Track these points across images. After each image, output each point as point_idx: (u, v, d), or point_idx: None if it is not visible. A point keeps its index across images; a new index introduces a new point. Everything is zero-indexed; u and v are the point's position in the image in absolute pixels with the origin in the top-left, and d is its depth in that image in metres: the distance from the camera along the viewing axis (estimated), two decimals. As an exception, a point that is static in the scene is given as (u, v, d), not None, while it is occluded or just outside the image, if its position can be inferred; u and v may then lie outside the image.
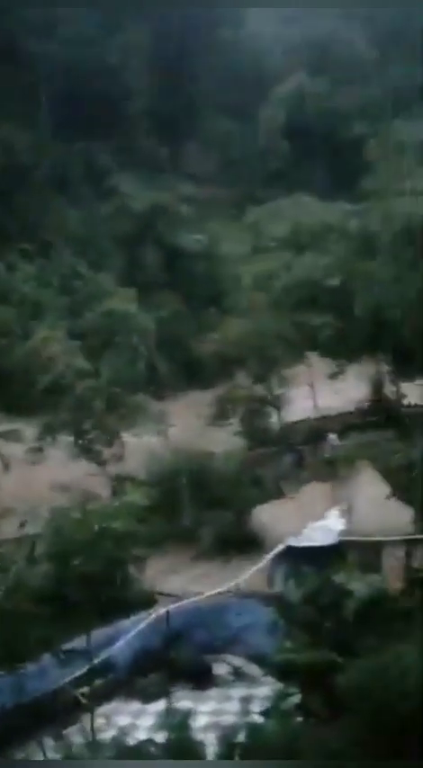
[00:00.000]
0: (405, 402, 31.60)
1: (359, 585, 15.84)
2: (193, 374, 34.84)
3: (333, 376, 32.86)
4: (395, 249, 30.05)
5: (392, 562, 20.22)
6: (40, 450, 26.57)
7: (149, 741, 15.35)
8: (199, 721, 14.86)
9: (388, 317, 29.00)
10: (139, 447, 27.67)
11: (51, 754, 13.18)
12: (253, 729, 10.66)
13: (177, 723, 10.54)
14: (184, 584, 21.41)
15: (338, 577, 16.10)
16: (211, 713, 16.82)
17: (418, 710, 10.64)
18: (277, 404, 30.76)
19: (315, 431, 30.94)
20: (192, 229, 40.94)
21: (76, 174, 44.07)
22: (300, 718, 13.35)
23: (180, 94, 50.33)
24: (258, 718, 13.45)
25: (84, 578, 15.74)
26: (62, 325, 28.89)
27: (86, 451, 26.72)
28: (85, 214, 41.91)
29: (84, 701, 16.67)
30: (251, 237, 37.85)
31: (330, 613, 15.71)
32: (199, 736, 12.57)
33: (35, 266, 35.03)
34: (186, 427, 30.45)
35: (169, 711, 12.96)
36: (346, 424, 31.94)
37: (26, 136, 42.60)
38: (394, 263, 30.06)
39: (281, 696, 14.47)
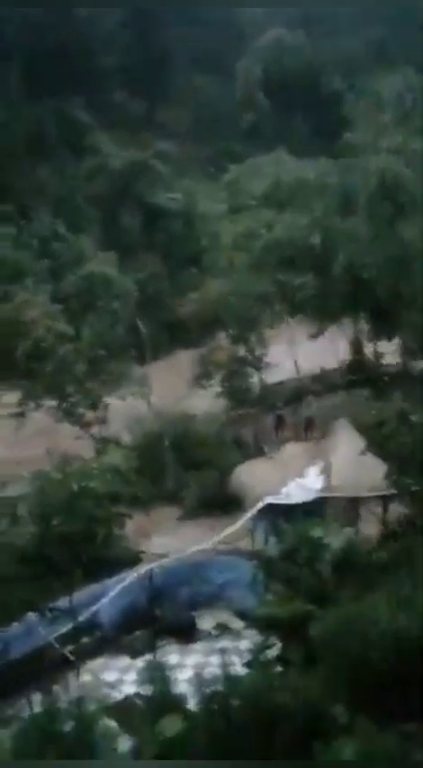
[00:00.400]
0: (383, 361, 31.97)
1: (335, 540, 16.29)
2: (174, 336, 34.85)
3: (313, 336, 33.08)
4: (372, 207, 30.04)
5: (369, 517, 20.76)
6: (22, 414, 26.66)
7: (137, 695, 15.91)
8: (184, 674, 15.36)
9: (366, 276, 29.15)
10: (123, 410, 27.87)
11: (38, 710, 13.56)
12: (232, 680, 11.08)
13: (159, 677, 10.94)
14: (168, 543, 21.80)
15: (316, 532, 16.53)
16: (195, 666, 17.35)
17: (391, 657, 11.09)
18: (258, 364, 30.95)
19: (295, 391, 31.29)
20: (169, 188, 40.43)
21: (53, 132, 43.10)
22: (279, 668, 13.85)
23: (155, 49, 49.14)
24: (240, 670, 13.93)
25: (65, 538, 16.03)
26: (42, 289, 28.67)
27: (69, 415, 26.86)
28: (62, 174, 41.19)
29: (71, 657, 17.10)
30: (230, 196, 37.48)
31: (308, 567, 16.15)
32: (184, 688, 13.01)
33: (14, 228, 34.49)
34: (168, 389, 30.60)
35: (152, 666, 13.36)
36: (326, 383, 32.31)
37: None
38: (372, 222, 30.08)
39: (261, 648, 14.97)
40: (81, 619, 17.15)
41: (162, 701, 10.82)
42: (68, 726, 10.14)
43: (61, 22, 45.47)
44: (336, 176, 32.70)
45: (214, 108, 50.52)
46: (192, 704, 11.74)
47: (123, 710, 14.76)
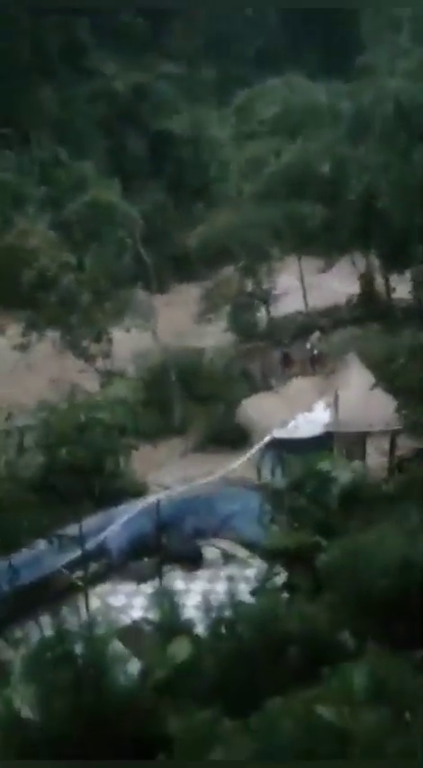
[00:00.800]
0: (394, 295, 31.43)
1: (343, 473, 16.22)
2: (180, 268, 34.24)
3: (323, 269, 32.45)
4: (387, 132, 28.97)
5: (376, 451, 20.71)
6: (25, 345, 26.42)
7: (144, 619, 16.17)
8: (191, 600, 15.57)
9: (379, 206, 28.33)
10: (127, 343, 27.59)
11: (48, 632, 13.74)
12: (239, 605, 11.15)
13: (167, 602, 11.03)
14: (174, 476, 21.90)
15: (323, 465, 16.45)
16: (201, 593, 17.59)
17: (398, 585, 11.10)
18: (266, 298, 30.49)
19: (304, 325, 30.90)
20: (176, 112, 39.05)
21: (54, 52, 41.37)
22: (285, 595, 13.98)
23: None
24: (246, 597, 14.06)
25: (72, 468, 16.03)
26: (44, 217, 27.97)
27: (74, 347, 26.60)
28: (63, 96, 39.73)
29: (79, 583, 17.35)
30: (239, 121, 36.23)
31: (315, 499, 16.13)
32: (191, 613, 13.16)
33: (14, 153, 33.45)
34: (175, 322, 30.25)
35: (159, 591, 13.50)
36: (336, 318, 31.88)
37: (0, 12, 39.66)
38: (386, 148, 29.05)
39: (267, 575, 15.09)
40: (88, 546, 17.29)
41: (170, 625, 10.92)
42: (79, 648, 10.23)
43: None
44: (349, 100, 31.46)
45: (223, 29, 48.32)
46: (199, 629, 11.86)
47: (131, 634, 15.07)
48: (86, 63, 41.25)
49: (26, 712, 9.33)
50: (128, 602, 18.00)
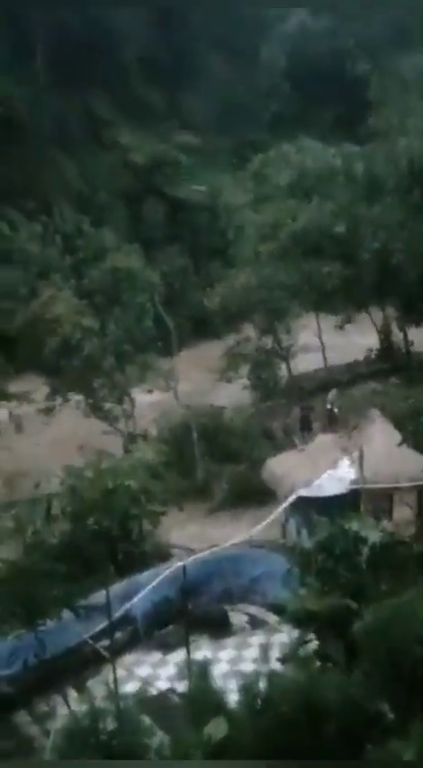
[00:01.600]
0: (413, 348, 31.48)
1: (372, 533, 15.92)
2: (200, 328, 34.66)
3: (341, 325, 32.66)
4: (400, 192, 29.53)
5: (404, 508, 20.36)
6: (50, 409, 26.69)
7: (171, 690, 15.76)
8: (218, 669, 15.19)
9: (394, 262, 28.67)
10: (149, 403, 27.76)
11: (75, 706, 13.48)
12: (273, 677, 10.85)
13: (197, 673, 10.75)
14: (199, 537, 21.65)
15: (352, 525, 16.18)
16: (229, 661, 17.18)
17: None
18: (285, 355, 30.65)
19: (324, 382, 30.94)
20: (193, 180, 40.20)
21: (75, 127, 43.06)
22: (318, 664, 13.58)
23: (176, 38, 48.78)
24: (277, 666, 13.70)
25: (99, 535, 15.93)
26: (68, 285, 28.67)
27: (97, 410, 26.84)
28: (84, 168, 41.16)
29: (105, 654, 17.03)
30: (255, 186, 37.16)
31: (344, 560, 15.82)
32: (218, 683, 12.83)
33: (38, 225, 34.57)
34: (196, 382, 30.46)
35: (189, 661, 13.18)
36: (355, 373, 31.92)
37: (23, 90, 41.55)
38: (400, 207, 29.57)
39: (298, 643, 14.68)
40: (115, 615, 17.03)
41: (202, 699, 10.61)
42: (110, 724, 9.98)
43: (84, 16, 45.25)
44: (362, 161, 32.19)
45: (237, 97, 50.05)
46: (230, 700, 11.53)
47: (158, 706, 14.67)
48: (106, 135, 42.78)
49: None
50: (153, 672, 17.58)
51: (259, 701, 10.02)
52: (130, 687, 16.03)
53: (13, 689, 15.65)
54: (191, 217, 38.88)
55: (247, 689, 10.46)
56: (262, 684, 10.60)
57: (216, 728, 9.40)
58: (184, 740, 9.49)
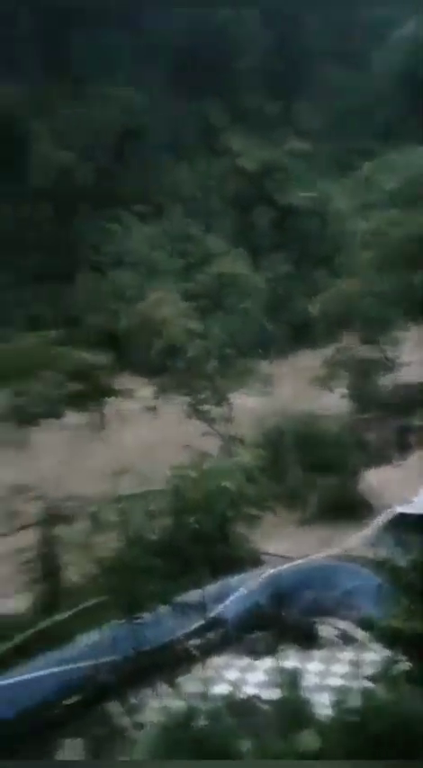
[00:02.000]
0: None
1: None
2: (303, 336, 34.69)
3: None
4: None
5: None
6: (155, 408, 27.54)
7: (256, 697, 15.95)
8: (305, 681, 15.27)
9: None
10: (247, 407, 28.12)
11: (167, 701, 13.96)
12: (367, 694, 10.89)
13: (287, 682, 10.97)
14: (290, 545, 21.77)
15: (450, 548, 15.88)
16: (317, 674, 17.24)
17: None
18: (388, 367, 30.26)
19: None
20: (303, 187, 40.20)
21: (190, 133, 43.99)
22: (407, 686, 13.49)
23: (292, 47, 48.80)
24: (367, 683, 13.68)
25: (199, 535, 16.39)
26: (175, 288, 29.46)
27: (198, 411, 27.45)
28: (197, 174, 42.00)
29: (195, 653, 17.48)
30: (363, 193, 36.79)
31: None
32: (306, 695, 12.95)
33: (149, 228, 35.66)
34: (294, 389, 30.55)
35: (279, 669, 13.38)
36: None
37: (143, 97, 42.78)
38: None
39: (390, 662, 14.60)
40: (208, 615, 17.46)
41: (293, 708, 10.83)
42: (203, 723, 10.32)
43: (202, 24, 46.08)
44: None
45: (350, 104, 49.58)
46: (319, 713, 11.66)
47: (244, 711, 14.93)
48: (219, 142, 43.48)
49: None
50: (242, 676, 17.84)
51: (353, 718, 10.13)
52: (218, 689, 16.37)
53: (113, 677, 16.30)
54: (299, 223, 38.90)
55: (341, 704, 10.59)
56: (355, 701, 10.69)
57: (309, 740, 9.59)
58: (271, 747, 9.73)
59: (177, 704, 11.11)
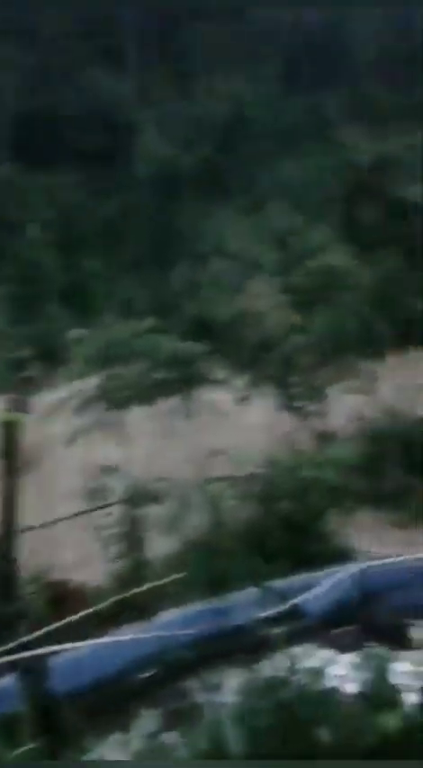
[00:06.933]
0: None
1: None
2: (413, 334, 33.40)
3: None
4: None
5: None
6: (247, 399, 27.24)
7: (334, 689, 15.37)
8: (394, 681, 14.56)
9: None
10: (347, 404, 27.33)
11: (243, 681, 13.67)
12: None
13: (375, 666, 10.41)
14: (384, 546, 20.98)
15: None
16: (405, 674, 16.43)
17: None
18: None
19: None
20: (418, 181, 38.93)
21: (303, 126, 43.65)
22: None
23: (413, 38, 47.51)
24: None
25: (287, 524, 16.04)
26: (275, 281, 29.13)
27: (291, 405, 26.96)
28: (307, 167, 41.59)
29: (276, 640, 17.06)
30: None
31: None
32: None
33: (252, 220, 35.58)
34: (400, 389, 29.42)
35: (367, 656, 12.79)
36: None
37: (254, 88, 43.01)
38: None
39: None
40: (291, 603, 17.04)
41: (377, 694, 10.27)
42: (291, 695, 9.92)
43: (321, 16, 45.88)
44: None
45: None
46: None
47: (324, 701, 14.39)
48: (333, 135, 42.91)
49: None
50: (322, 667, 17.26)
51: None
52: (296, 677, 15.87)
53: (191, 654, 16.19)
54: (413, 218, 37.63)
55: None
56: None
57: (391, 720, 9.08)
58: (355, 725, 9.28)
59: (262, 675, 10.73)
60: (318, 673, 13.35)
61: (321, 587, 18.12)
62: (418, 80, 45.64)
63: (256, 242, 33.65)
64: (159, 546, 18.70)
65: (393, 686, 10.34)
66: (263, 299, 27.92)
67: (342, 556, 19.70)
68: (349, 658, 16.39)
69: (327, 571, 18.78)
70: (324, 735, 10.25)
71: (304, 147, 42.56)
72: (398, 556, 19.46)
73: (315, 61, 44.16)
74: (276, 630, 17.35)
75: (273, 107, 43.59)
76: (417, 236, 36.68)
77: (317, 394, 26.93)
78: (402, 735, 8.87)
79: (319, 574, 18.70)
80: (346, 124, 43.89)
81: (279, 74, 46.07)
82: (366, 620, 18.16)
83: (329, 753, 9.00)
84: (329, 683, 15.92)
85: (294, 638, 18.15)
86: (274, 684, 9.79)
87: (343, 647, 17.66)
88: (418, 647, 17.76)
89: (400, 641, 17.94)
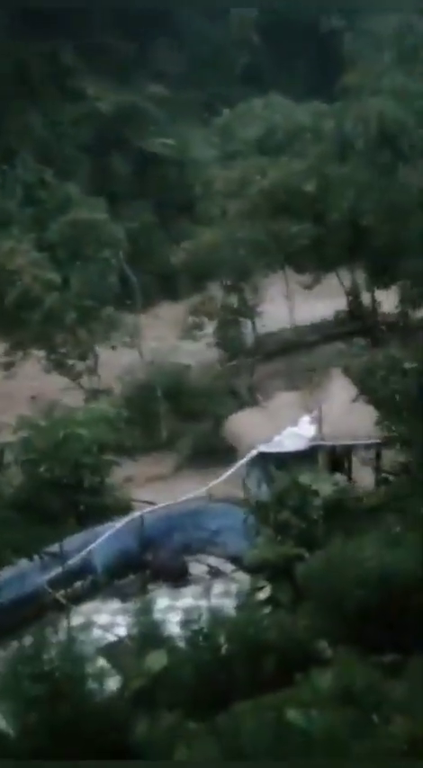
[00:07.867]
0: (380, 310, 31.67)
1: (324, 485, 16.28)
2: (167, 286, 34.39)
3: (309, 286, 32.69)
4: (371, 151, 29.34)
5: (360, 464, 20.75)
6: (11, 364, 26.45)
7: (128, 636, 16.01)
8: (176, 616, 15.43)
9: (364, 223, 28.62)
10: (113, 360, 27.66)
11: (29, 651, 13.63)
12: (218, 618, 11.11)
13: (140, 609, 10.99)
14: (161, 492, 21.85)
15: (305, 479, 16.52)
16: (186, 610, 17.46)
17: (376, 594, 11.12)
18: (252, 315, 30.64)
19: (290, 341, 31.07)
20: (161, 133, 39.47)
21: (40, 75, 41.78)
22: (268, 609, 13.95)
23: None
24: (231, 612, 14.03)
25: (52, 484, 15.99)
26: (28, 237, 28.12)
27: (59, 366, 26.69)
28: (49, 118, 40.13)
29: (63, 601, 17.24)
30: (223, 141, 36.63)
31: (298, 512, 16.19)
32: (175, 629, 13.09)
33: (-1, 175, 33.77)
34: (161, 340, 30.37)
35: (138, 605, 13.41)
36: (322, 333, 32.08)
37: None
38: (370, 167, 29.42)
39: (251, 589, 15.07)
40: (73, 563, 17.21)
41: (148, 638, 10.88)
42: (57, 663, 10.17)
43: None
44: (333, 120, 31.87)
45: (209, 50, 48.81)
46: (180, 643, 11.81)
47: (116, 651, 14.95)
48: (72, 85, 41.64)
49: (2, 726, 9.28)
50: (112, 619, 17.85)
51: (200, 637, 10.30)
52: (89, 633, 16.21)
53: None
54: (158, 171, 38.19)
55: (188, 624, 10.73)
56: (206, 624, 10.85)
57: (155, 660, 9.67)
58: (127, 670, 9.76)
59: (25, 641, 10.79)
60: (84, 628, 13.72)
61: (102, 540, 18.50)
62: (149, 34, 45.72)
63: (6, 197, 32.04)
64: None
65: (158, 626, 11.01)
66: (18, 257, 26.85)
67: (119, 509, 20.19)
68: (131, 606, 17.08)
69: (107, 525, 19.17)
70: (93, 688, 10.49)
71: (44, 96, 40.84)
72: (172, 499, 20.36)
73: (45, 8, 42.14)
74: (63, 592, 17.56)
75: (5, 54, 40.99)
76: (163, 187, 37.53)
77: (85, 351, 26.87)
78: (168, 673, 9.52)
79: (99, 529, 19.05)
80: (84, 73, 42.79)
81: (7, 16, 43.14)
82: (147, 565, 18.93)
83: (100, 705, 9.39)
84: (117, 633, 16.61)
85: (82, 595, 18.57)
86: (38, 651, 9.92)
87: (128, 596, 18.37)
88: (197, 582, 19.00)
89: (181, 579, 19.06)
